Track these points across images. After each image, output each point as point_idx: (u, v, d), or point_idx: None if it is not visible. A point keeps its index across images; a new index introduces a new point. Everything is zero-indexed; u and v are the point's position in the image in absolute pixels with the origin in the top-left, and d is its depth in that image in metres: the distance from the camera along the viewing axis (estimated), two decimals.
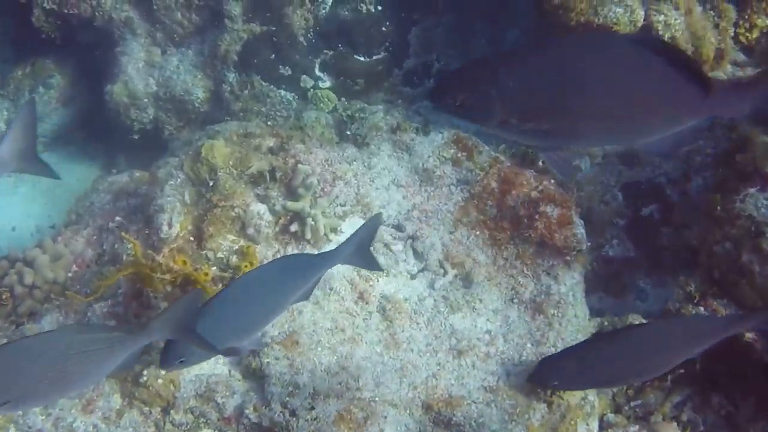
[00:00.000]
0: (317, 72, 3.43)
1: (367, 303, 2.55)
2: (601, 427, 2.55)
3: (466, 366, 2.48)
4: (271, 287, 1.87)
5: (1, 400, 1.58)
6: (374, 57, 3.43)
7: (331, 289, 2.53)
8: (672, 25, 2.88)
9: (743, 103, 1.51)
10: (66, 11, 3.53)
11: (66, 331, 1.73)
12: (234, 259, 2.53)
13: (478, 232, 2.70)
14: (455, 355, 2.50)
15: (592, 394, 2.49)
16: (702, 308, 2.51)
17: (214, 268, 2.50)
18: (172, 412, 2.37)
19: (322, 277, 2.06)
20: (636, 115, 1.52)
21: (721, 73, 3.08)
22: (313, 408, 2.32)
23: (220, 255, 2.54)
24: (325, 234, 2.62)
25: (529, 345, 2.54)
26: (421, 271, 2.67)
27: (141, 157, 3.70)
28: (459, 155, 2.80)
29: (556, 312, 2.58)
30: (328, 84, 3.41)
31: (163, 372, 2.33)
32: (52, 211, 3.85)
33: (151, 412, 2.38)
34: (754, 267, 2.42)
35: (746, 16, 3.07)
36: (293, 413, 2.32)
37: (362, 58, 3.42)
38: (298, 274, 1.92)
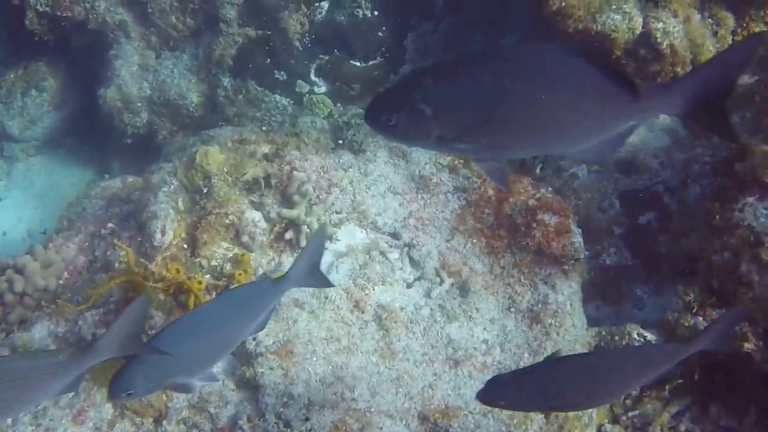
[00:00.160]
0: (313, 77, 3.41)
1: (362, 312, 2.52)
2: None
3: (463, 376, 2.46)
4: (223, 321, 1.80)
5: None
6: (370, 62, 3.41)
7: (326, 298, 2.50)
8: (671, 32, 2.87)
9: (672, 100, 1.53)
10: (59, 14, 3.50)
11: (2, 360, 1.71)
12: (228, 267, 2.50)
13: (475, 240, 2.67)
14: (452, 365, 2.47)
15: None
16: (701, 318, 2.49)
17: (208, 276, 2.47)
18: (164, 422, 2.34)
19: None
20: (567, 123, 1.54)
21: None
22: (307, 419, 2.29)
23: (214, 263, 2.51)
24: None
25: (526, 354, 2.52)
26: (418, 279, 2.65)
27: (134, 162, 3.68)
28: (455, 162, 2.78)
29: (553, 321, 2.56)
30: (323, 89, 3.40)
31: None
32: (43, 216, 3.82)
33: (143, 423, 2.34)
34: (753, 277, 2.40)
35: (744, 24, 3.06)
36: (288, 424, 2.29)
37: (358, 63, 3.41)
38: (251, 305, 1.85)
